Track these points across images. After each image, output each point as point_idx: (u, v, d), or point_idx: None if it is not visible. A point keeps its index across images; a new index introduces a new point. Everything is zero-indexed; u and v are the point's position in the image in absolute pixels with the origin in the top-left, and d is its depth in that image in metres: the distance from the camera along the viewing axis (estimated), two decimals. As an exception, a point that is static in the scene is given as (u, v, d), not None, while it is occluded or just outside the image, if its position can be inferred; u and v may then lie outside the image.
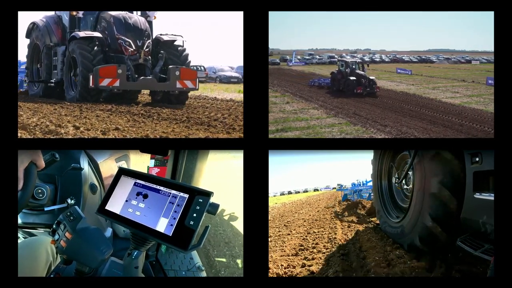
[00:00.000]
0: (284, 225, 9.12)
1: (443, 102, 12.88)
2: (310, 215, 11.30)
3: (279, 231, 7.85)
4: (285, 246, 5.73)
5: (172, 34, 10.81)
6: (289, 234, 7.20)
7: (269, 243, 6.32)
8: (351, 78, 13.47)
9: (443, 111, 11.12)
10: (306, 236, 6.72)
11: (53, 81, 11.04)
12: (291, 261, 4.62)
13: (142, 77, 10.01)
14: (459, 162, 3.50)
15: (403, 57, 38.37)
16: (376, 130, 8.73)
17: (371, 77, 13.71)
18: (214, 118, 7.80)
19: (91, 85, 9.51)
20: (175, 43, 10.75)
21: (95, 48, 9.93)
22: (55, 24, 11.17)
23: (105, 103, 9.50)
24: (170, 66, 10.13)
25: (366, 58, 22.25)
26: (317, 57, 33.66)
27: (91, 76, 9.49)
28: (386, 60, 35.79)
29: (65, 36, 10.89)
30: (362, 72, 13.70)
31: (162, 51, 10.46)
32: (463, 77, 21.61)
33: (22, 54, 12.31)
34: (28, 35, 11.96)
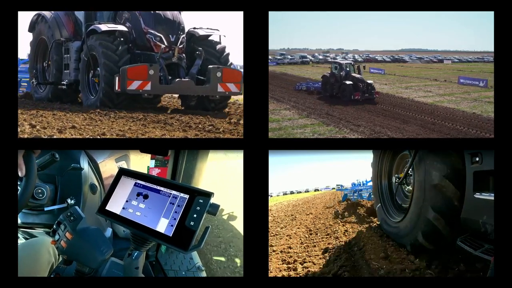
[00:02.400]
0: (312, 203, 15.01)
1: (415, 101, 12.94)
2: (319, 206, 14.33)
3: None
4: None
5: (208, 28, 9.09)
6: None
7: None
8: (347, 82, 12.00)
9: (415, 110, 11.18)
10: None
11: (64, 83, 9.30)
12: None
13: (177, 79, 8.32)
14: (460, 159, 3.49)
15: (376, 57, 38.44)
16: (349, 130, 8.63)
17: (369, 81, 12.36)
18: (171, 116, 7.56)
19: (117, 88, 7.96)
20: (211, 38, 9.07)
21: (121, 44, 8.27)
22: (66, 16, 9.50)
23: (124, 110, 7.97)
24: (210, 66, 8.43)
25: (339, 58, 22.00)
26: (289, 57, 33.47)
27: (117, 78, 7.94)
28: (359, 60, 35.63)
29: (78, 29, 9.40)
30: (359, 76, 12.27)
31: (199, 48, 8.76)
32: (435, 76, 21.80)
33: (22, 50, 11.14)
34: (31, 28, 10.20)
